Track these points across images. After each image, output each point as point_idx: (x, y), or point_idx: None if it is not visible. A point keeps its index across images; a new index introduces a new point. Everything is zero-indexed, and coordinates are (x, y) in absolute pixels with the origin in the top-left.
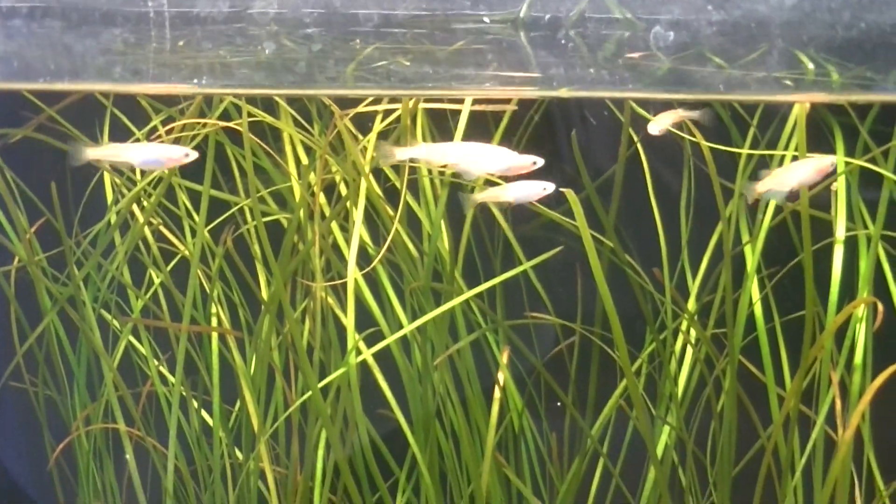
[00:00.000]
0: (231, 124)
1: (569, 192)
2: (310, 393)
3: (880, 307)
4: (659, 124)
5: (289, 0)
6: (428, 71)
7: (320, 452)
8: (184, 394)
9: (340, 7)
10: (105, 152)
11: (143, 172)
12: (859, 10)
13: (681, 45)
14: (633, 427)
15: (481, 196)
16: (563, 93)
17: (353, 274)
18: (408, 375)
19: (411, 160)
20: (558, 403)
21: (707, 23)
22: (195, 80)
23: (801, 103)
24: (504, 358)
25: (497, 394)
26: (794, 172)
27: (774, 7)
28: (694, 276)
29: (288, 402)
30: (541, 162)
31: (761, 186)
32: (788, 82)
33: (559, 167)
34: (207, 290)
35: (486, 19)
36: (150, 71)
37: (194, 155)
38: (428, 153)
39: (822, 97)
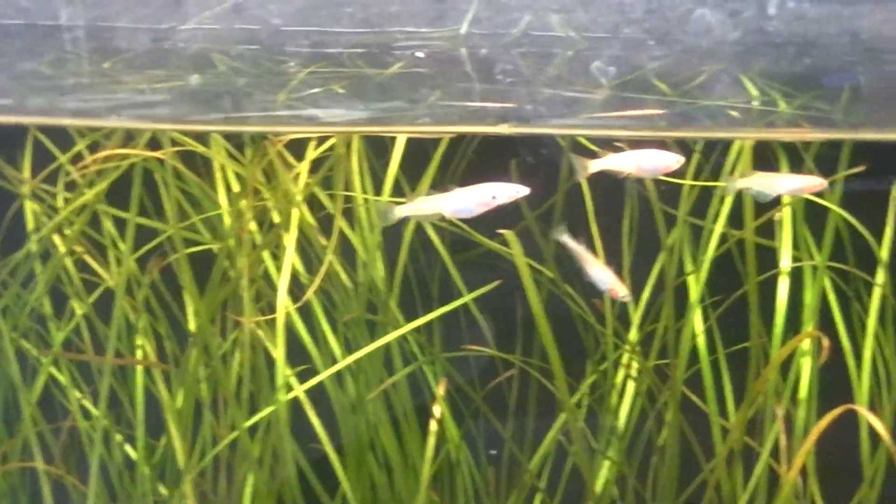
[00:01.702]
0: (158, 154)
1: (508, 234)
2: (236, 433)
3: (825, 342)
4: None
5: (221, 20)
6: (359, 105)
7: (248, 490)
8: (107, 428)
9: (274, 27)
10: (413, 207)
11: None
12: (804, 45)
13: (623, 78)
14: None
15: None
16: (504, 129)
17: (285, 305)
18: (341, 407)
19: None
20: (493, 452)
21: (649, 57)
22: (114, 116)
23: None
24: (441, 390)
25: (433, 426)
26: (783, 179)
27: (717, 41)
28: (636, 305)
29: (216, 437)
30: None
31: (743, 182)
32: (734, 114)
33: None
34: (133, 322)
35: (419, 54)
36: (70, 103)
37: (507, 195)
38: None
39: (767, 134)
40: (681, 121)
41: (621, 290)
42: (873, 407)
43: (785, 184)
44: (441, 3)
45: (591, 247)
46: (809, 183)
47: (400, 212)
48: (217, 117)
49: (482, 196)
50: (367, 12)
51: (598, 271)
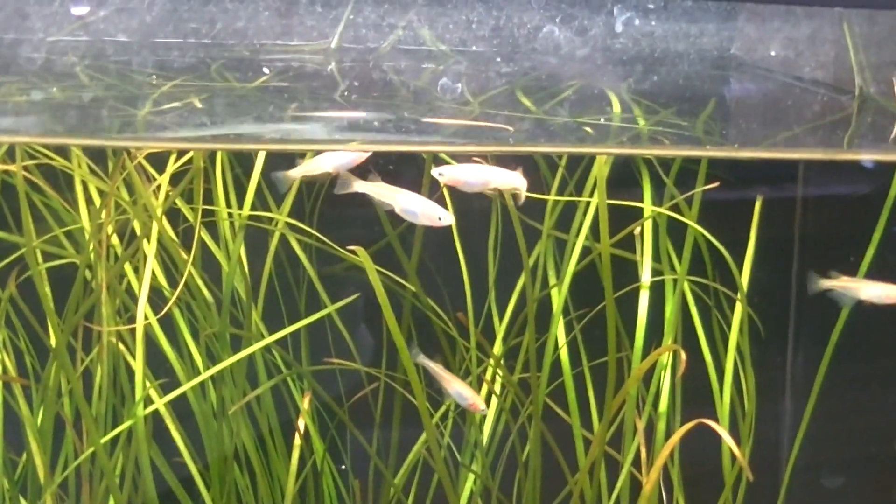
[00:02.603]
0: (11, 167)
1: (358, 249)
2: (92, 449)
3: (682, 355)
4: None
5: (68, 34)
6: (206, 122)
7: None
8: None
9: (120, 43)
10: (371, 187)
11: None
12: (652, 63)
13: (471, 95)
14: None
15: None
16: (354, 147)
17: (144, 318)
18: (204, 421)
19: None
20: (343, 467)
21: (497, 74)
22: None
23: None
24: (305, 403)
25: (297, 441)
26: (866, 286)
27: (565, 58)
28: (501, 319)
29: (77, 451)
30: None
31: (828, 283)
32: (588, 129)
33: (362, 211)
34: None
35: (265, 69)
36: None
37: (448, 222)
38: None
39: (620, 149)
40: (533, 136)
41: (480, 404)
42: (736, 418)
43: (867, 290)
44: (287, 18)
45: (455, 260)
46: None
47: (358, 186)
48: (64, 131)
49: (432, 212)
50: (213, 28)
51: (458, 387)
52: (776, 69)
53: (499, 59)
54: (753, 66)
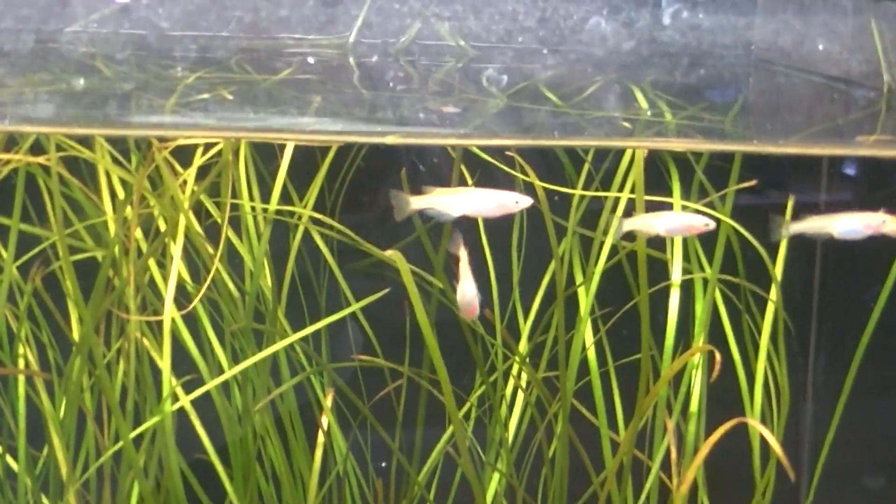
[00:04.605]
0: (39, 160)
1: (395, 254)
2: (121, 444)
3: (717, 356)
4: None
5: (108, 22)
6: (249, 115)
7: (133, 501)
8: None
9: (162, 31)
10: (431, 200)
11: None
12: (698, 56)
13: (514, 87)
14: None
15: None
16: (391, 140)
17: (171, 314)
18: (227, 418)
19: None
20: (383, 464)
21: (542, 66)
22: None
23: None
24: (328, 401)
25: (320, 438)
26: (664, 220)
27: (611, 51)
28: (525, 316)
29: (100, 447)
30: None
31: (629, 224)
32: (626, 124)
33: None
34: (14, 330)
35: (310, 59)
36: None
37: (525, 204)
38: None
39: (658, 143)
40: (572, 130)
41: None
42: (763, 420)
43: (665, 223)
44: (332, 7)
45: (481, 258)
46: (694, 222)
47: (417, 203)
48: (102, 121)
49: (506, 200)
50: (257, 16)
51: None
52: (819, 64)
53: (545, 52)
54: (798, 61)
